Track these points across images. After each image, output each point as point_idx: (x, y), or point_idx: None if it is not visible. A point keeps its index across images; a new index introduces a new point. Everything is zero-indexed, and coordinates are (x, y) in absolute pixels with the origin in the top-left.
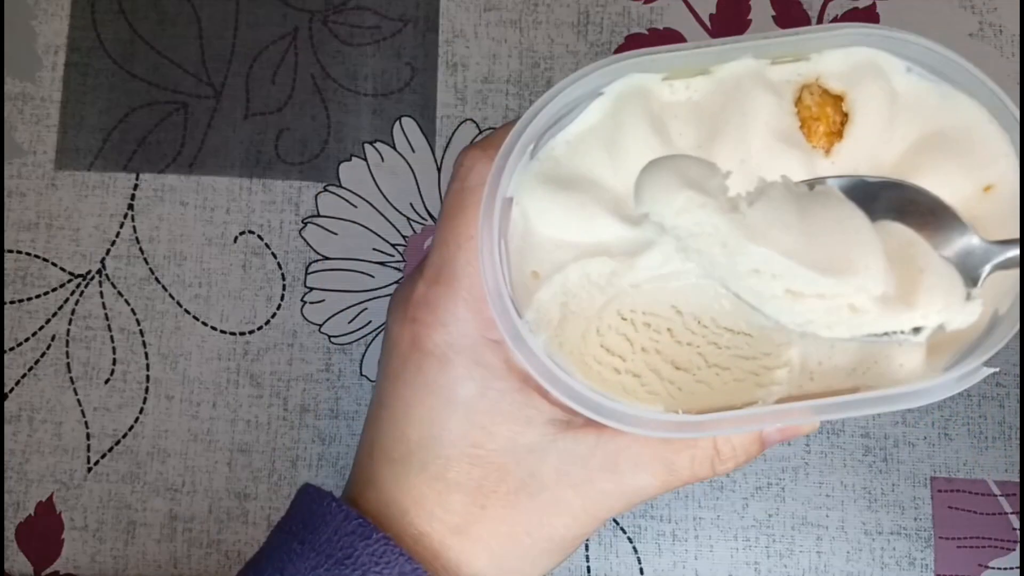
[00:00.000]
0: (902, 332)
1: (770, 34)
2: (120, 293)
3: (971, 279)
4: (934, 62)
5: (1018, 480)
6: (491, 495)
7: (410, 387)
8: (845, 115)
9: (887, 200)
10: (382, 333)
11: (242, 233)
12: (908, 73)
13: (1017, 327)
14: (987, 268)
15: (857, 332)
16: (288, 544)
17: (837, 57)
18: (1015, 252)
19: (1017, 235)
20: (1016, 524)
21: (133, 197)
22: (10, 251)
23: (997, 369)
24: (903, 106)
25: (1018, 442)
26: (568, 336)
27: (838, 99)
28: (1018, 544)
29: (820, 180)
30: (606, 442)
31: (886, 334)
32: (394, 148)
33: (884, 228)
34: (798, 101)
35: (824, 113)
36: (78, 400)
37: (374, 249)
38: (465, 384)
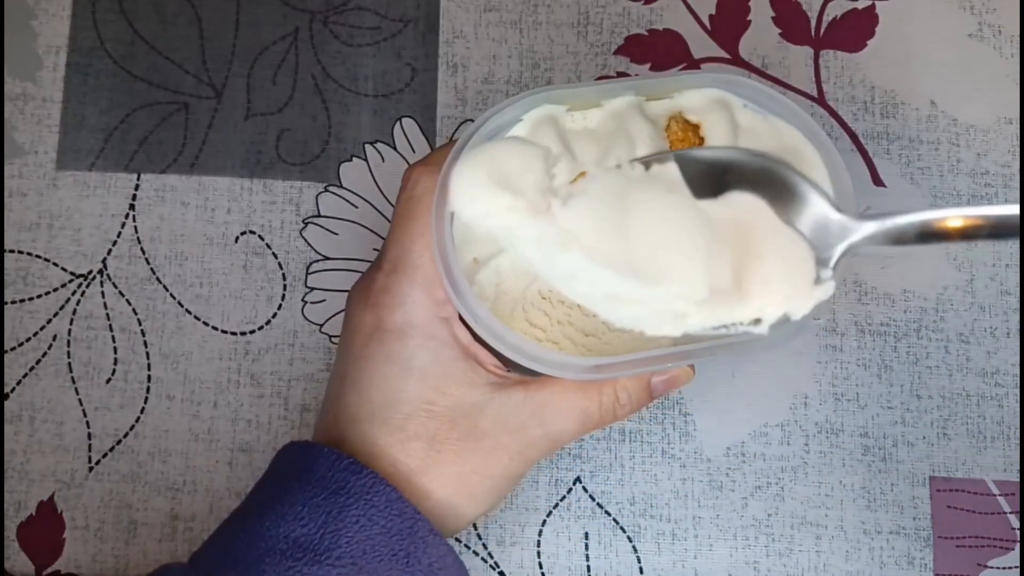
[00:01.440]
0: (741, 324)
1: (643, 76)
2: (121, 293)
3: (823, 258)
4: (761, 99)
5: (1017, 480)
6: (444, 442)
7: (373, 360)
8: (702, 138)
9: (738, 170)
10: None
11: (243, 233)
12: (745, 108)
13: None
14: (841, 248)
15: (687, 331)
16: (285, 484)
17: (694, 96)
18: (874, 229)
19: (879, 211)
20: (1015, 524)
21: (134, 197)
22: (11, 251)
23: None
24: (743, 132)
25: (1017, 442)
26: (500, 311)
27: (696, 127)
28: (1017, 544)
29: (664, 155)
30: (532, 396)
31: (723, 327)
32: (395, 148)
33: (729, 201)
34: (667, 128)
35: (687, 137)
36: (79, 400)
37: (374, 249)
38: (420, 354)
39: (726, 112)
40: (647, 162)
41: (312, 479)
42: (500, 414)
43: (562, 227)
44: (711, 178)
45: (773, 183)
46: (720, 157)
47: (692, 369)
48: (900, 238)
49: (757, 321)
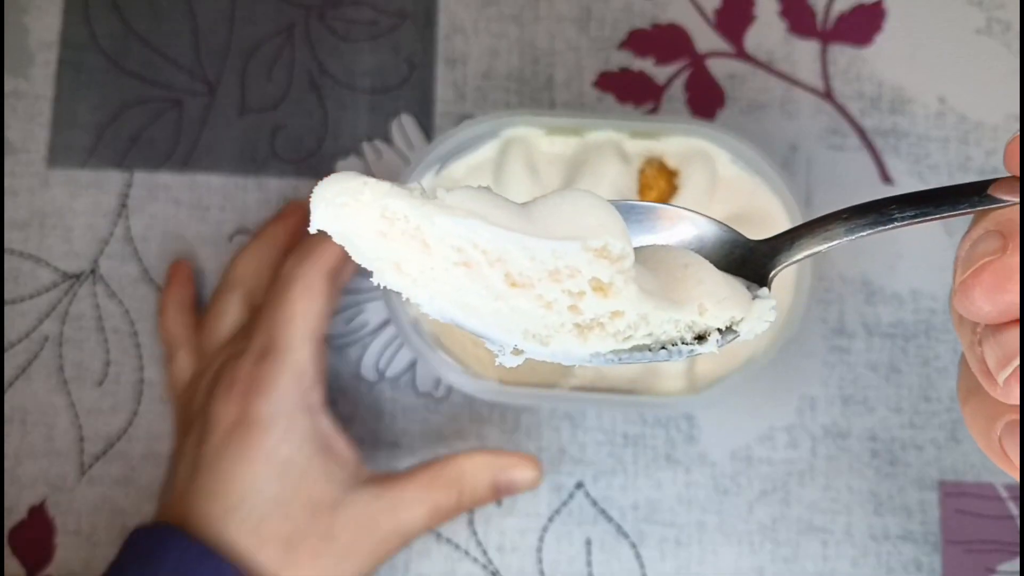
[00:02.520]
0: (683, 342)
1: (632, 117)
2: (114, 293)
3: (756, 282)
4: (750, 159)
5: None
6: (300, 544)
7: (232, 455)
8: (675, 187)
9: (660, 227)
10: (379, 334)
11: (237, 232)
12: (733, 163)
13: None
14: (776, 265)
15: (622, 342)
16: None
17: (679, 142)
18: (793, 252)
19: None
20: None
21: (127, 195)
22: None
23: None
24: (723, 187)
25: None
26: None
27: (672, 174)
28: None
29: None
30: (386, 492)
31: (665, 348)
32: (392, 145)
33: (657, 252)
34: (642, 170)
35: (658, 183)
36: (71, 402)
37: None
38: (282, 447)
39: (708, 164)
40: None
41: (163, 570)
42: (355, 512)
43: (449, 203)
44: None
45: (681, 231)
46: (620, 207)
47: (539, 474)
48: (819, 248)
49: (700, 339)
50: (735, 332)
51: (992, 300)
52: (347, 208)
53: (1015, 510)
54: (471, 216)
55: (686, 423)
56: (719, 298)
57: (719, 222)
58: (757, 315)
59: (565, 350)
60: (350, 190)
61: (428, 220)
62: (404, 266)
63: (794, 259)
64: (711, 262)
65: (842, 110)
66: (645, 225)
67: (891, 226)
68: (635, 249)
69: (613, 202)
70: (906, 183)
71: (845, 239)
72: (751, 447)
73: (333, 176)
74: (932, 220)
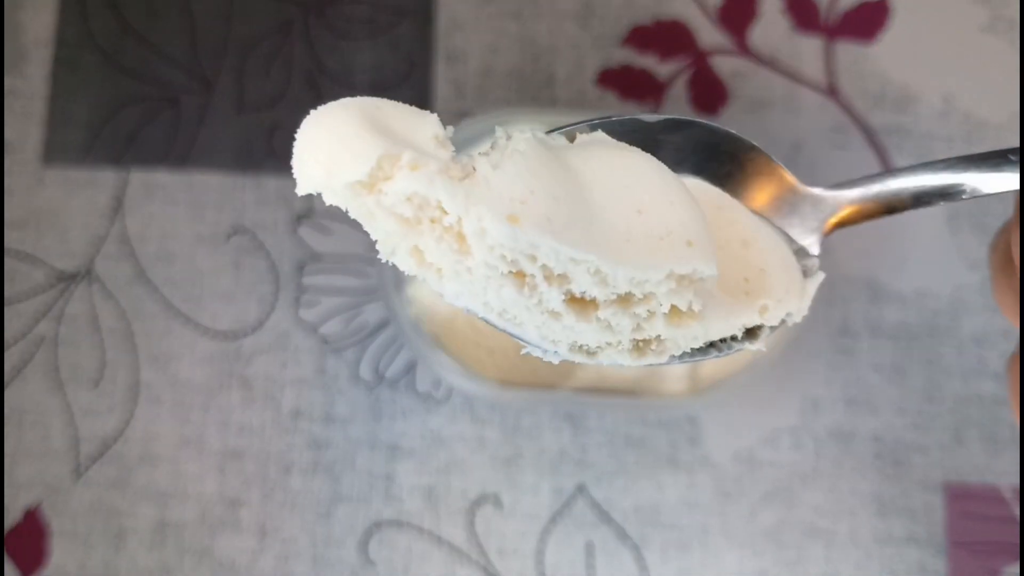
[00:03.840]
0: (734, 339)
1: (634, 114)
2: (110, 293)
3: (804, 243)
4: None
5: None
6: None
7: None
8: None
9: (675, 147)
10: (378, 335)
11: (235, 232)
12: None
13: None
14: (830, 222)
15: (677, 352)
16: None
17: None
18: (854, 205)
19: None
20: None
21: (123, 194)
22: None
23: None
24: None
25: None
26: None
27: None
28: None
29: (579, 125)
30: None
31: (713, 345)
32: None
33: (714, 212)
34: None
35: None
36: (67, 404)
37: (371, 248)
38: None
39: None
40: (569, 135)
41: None
42: None
43: (499, 193)
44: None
45: (723, 160)
46: (655, 123)
47: None
48: (893, 204)
49: (750, 333)
50: (785, 322)
51: None
52: (350, 189)
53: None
54: (535, 228)
55: (689, 425)
56: (780, 295)
57: (766, 153)
58: (807, 300)
59: (615, 362)
60: (362, 154)
61: (474, 221)
62: (428, 255)
63: (850, 221)
64: (757, 204)
65: (846, 108)
66: (680, 148)
67: (961, 197)
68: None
69: (644, 118)
70: None
71: (912, 204)
72: (754, 449)
73: (329, 112)
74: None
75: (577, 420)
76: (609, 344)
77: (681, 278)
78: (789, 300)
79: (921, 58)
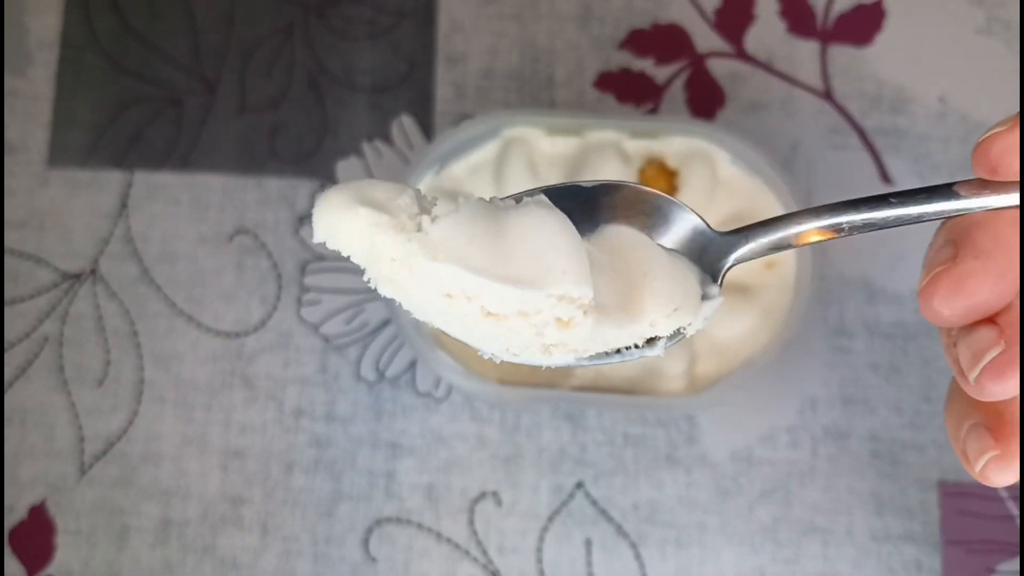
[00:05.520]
0: (636, 346)
1: (632, 117)
2: (114, 293)
3: (710, 274)
4: (750, 159)
5: None
6: None
7: None
8: (675, 188)
9: (608, 203)
10: (379, 334)
11: (237, 232)
12: (733, 164)
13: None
14: (729, 260)
15: (580, 353)
16: None
17: (679, 142)
18: (751, 245)
19: (744, 224)
20: None
21: (126, 195)
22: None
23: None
24: (723, 188)
25: None
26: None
27: (672, 174)
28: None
29: (532, 192)
30: None
31: (618, 351)
32: (392, 145)
33: (604, 233)
34: (642, 171)
35: (658, 183)
36: (71, 403)
37: None
38: None
39: (707, 166)
40: (517, 197)
41: None
42: None
43: (434, 240)
44: (586, 214)
45: (649, 212)
46: (591, 187)
47: None
48: (777, 246)
49: (651, 342)
50: (681, 334)
51: (950, 306)
52: (342, 234)
53: (1015, 510)
54: (450, 262)
55: (687, 423)
56: (669, 311)
57: (683, 205)
58: (703, 317)
59: (533, 361)
60: (345, 217)
61: (410, 261)
62: (397, 281)
63: (745, 259)
64: (674, 245)
65: (842, 110)
66: (613, 205)
67: (843, 234)
68: (601, 229)
69: (582, 183)
70: (907, 183)
71: (800, 242)
72: (752, 448)
73: (332, 192)
74: (892, 227)
75: (576, 419)
76: (525, 348)
77: (560, 297)
78: (680, 317)
79: (917, 60)
